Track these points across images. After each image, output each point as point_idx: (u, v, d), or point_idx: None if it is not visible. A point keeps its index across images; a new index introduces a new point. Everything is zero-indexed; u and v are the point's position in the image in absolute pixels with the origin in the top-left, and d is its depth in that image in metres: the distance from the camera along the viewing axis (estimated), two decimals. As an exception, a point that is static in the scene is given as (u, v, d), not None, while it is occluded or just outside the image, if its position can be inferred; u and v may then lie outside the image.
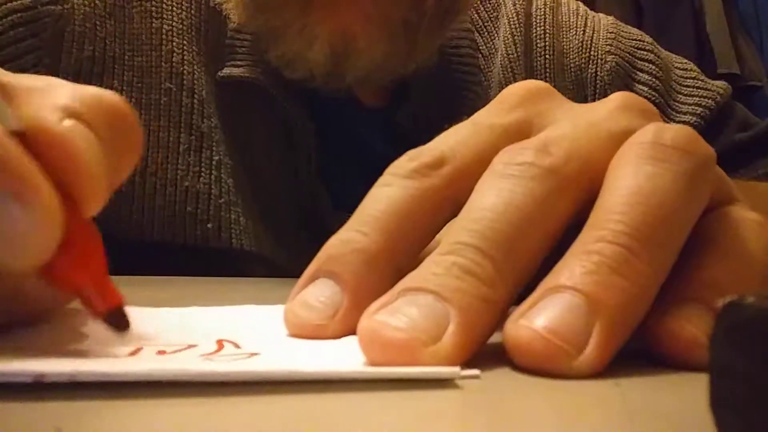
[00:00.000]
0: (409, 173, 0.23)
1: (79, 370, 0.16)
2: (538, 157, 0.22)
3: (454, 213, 0.23)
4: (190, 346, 0.21)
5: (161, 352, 0.20)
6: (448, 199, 0.23)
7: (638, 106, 0.24)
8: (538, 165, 0.21)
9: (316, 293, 0.22)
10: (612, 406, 0.17)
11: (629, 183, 0.21)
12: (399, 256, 0.23)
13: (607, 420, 0.16)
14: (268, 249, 0.51)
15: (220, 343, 0.21)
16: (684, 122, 0.58)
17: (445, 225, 0.24)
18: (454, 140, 0.24)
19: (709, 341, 0.12)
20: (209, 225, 0.50)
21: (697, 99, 0.60)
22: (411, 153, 0.24)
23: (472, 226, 0.21)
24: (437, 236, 0.23)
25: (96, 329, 0.21)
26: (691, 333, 0.20)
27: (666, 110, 0.59)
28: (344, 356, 0.20)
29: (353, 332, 0.21)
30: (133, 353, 0.19)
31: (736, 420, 0.12)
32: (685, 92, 0.60)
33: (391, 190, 0.23)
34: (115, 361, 0.19)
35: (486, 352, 0.20)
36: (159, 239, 0.50)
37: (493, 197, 0.21)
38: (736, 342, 0.12)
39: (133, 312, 0.25)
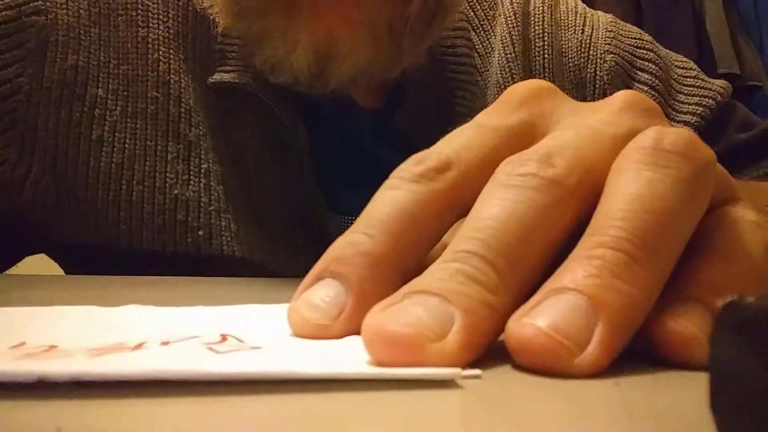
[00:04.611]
0: (416, 177, 0.23)
1: (81, 371, 0.16)
2: (541, 168, 0.22)
3: (460, 216, 0.23)
4: (194, 337, 0.21)
5: (165, 343, 0.20)
6: (453, 203, 0.23)
7: (642, 105, 0.24)
8: (540, 176, 0.22)
9: (320, 293, 0.22)
10: (612, 406, 0.17)
11: (629, 189, 0.21)
12: (405, 260, 0.23)
13: (607, 420, 0.16)
14: (261, 255, 0.51)
15: (224, 337, 0.21)
16: (684, 122, 0.58)
17: (450, 228, 0.24)
18: (459, 143, 0.24)
19: (709, 341, 0.12)
20: (200, 232, 0.50)
21: (698, 98, 0.59)
22: (417, 156, 0.24)
23: (476, 235, 0.21)
24: (442, 239, 0.24)
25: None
26: (690, 332, 0.20)
27: (666, 110, 0.58)
28: (346, 355, 0.20)
29: (356, 334, 0.21)
30: (137, 347, 0.20)
31: (736, 420, 0.12)
32: (686, 92, 0.60)
33: (397, 194, 0.23)
34: (118, 358, 0.19)
35: (487, 352, 0.20)
36: (149, 247, 0.50)
37: (496, 207, 0.21)
38: (736, 342, 0.12)
39: (137, 310, 0.25)
